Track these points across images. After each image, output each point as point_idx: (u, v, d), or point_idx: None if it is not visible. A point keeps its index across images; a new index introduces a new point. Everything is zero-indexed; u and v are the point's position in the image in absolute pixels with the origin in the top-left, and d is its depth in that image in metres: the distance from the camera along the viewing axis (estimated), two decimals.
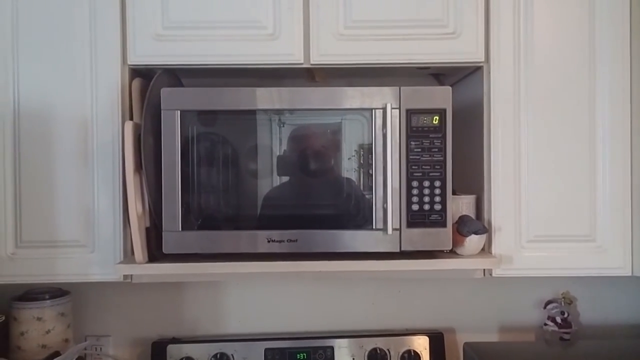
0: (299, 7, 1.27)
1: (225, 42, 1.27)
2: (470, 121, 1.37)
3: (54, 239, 1.26)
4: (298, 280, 1.65)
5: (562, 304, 1.60)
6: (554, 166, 1.28)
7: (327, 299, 1.65)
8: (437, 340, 1.58)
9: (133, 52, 1.26)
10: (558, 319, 1.57)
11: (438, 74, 1.53)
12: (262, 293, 1.65)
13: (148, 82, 1.26)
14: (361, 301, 1.66)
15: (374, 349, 1.55)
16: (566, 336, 1.56)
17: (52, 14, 1.25)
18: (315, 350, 1.55)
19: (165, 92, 1.19)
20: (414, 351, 1.55)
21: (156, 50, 1.26)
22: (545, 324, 1.59)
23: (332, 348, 1.55)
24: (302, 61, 1.28)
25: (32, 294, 1.45)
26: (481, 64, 1.30)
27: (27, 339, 1.41)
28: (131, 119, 1.27)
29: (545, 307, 1.61)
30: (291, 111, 1.22)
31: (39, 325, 1.41)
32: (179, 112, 1.19)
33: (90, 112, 1.26)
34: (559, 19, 1.28)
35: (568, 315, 1.57)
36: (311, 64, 1.29)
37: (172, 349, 1.53)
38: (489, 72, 1.29)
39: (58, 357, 1.34)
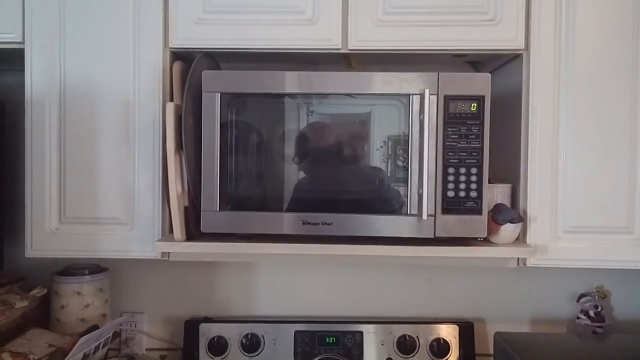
0: None
1: (264, 26, 1.28)
2: (506, 110, 1.36)
3: (96, 215, 1.30)
4: (328, 264, 1.66)
5: (596, 297, 1.57)
6: (593, 156, 1.26)
7: (357, 284, 1.67)
8: (466, 330, 1.58)
9: (175, 36, 1.29)
10: (591, 313, 1.55)
11: (475, 62, 1.51)
12: (293, 276, 1.67)
13: (187, 65, 1.29)
14: (391, 288, 1.66)
15: (403, 336, 1.56)
16: (599, 330, 1.54)
17: None
18: (344, 335, 1.57)
19: (206, 74, 1.21)
20: (444, 339, 1.55)
21: (197, 34, 1.29)
22: (578, 317, 1.57)
23: (361, 333, 1.57)
24: (339, 46, 1.29)
25: (72, 269, 1.51)
26: (521, 52, 1.29)
27: (67, 312, 1.46)
28: (171, 100, 1.30)
29: (578, 301, 1.59)
30: (334, 95, 1.23)
31: (78, 300, 1.47)
32: (219, 94, 1.21)
33: (133, 93, 1.29)
34: (601, 7, 1.25)
35: (602, 309, 1.55)
36: (349, 50, 1.29)
37: (204, 327, 1.57)
38: (529, 60, 1.27)
39: (96, 330, 1.39)
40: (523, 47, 1.28)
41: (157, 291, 1.67)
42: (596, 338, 1.50)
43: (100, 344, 1.40)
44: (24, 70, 1.28)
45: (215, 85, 1.21)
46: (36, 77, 1.28)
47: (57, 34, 1.28)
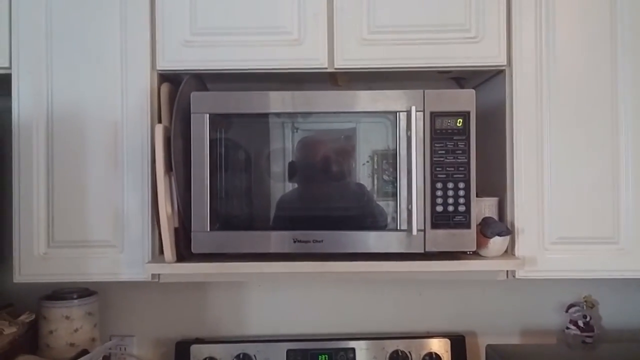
0: (324, 13, 1.29)
1: (252, 47, 1.29)
2: (492, 124, 1.38)
3: (85, 239, 1.29)
4: (320, 281, 1.66)
5: (584, 307, 1.59)
6: (577, 168, 1.29)
7: (348, 301, 1.67)
8: (458, 343, 1.58)
9: (162, 58, 1.30)
10: (580, 323, 1.57)
11: (459, 78, 1.54)
12: (283, 295, 1.67)
13: (175, 86, 1.30)
14: (382, 304, 1.67)
15: (395, 351, 1.56)
16: (588, 340, 1.55)
17: (84, 21, 1.29)
18: (336, 352, 1.56)
19: (195, 96, 1.22)
20: (436, 354, 1.56)
21: (184, 56, 1.30)
22: (567, 328, 1.59)
23: (353, 350, 1.57)
24: (326, 66, 1.31)
25: (60, 293, 1.49)
26: (503, 68, 1.32)
27: (56, 337, 1.44)
28: (159, 122, 1.30)
29: (567, 311, 1.60)
30: (325, 114, 1.25)
31: (67, 324, 1.45)
32: (207, 115, 1.22)
33: (121, 115, 1.29)
34: (580, 22, 1.29)
35: (590, 319, 1.57)
36: (335, 69, 1.31)
37: (195, 349, 1.56)
38: (511, 76, 1.30)
39: (85, 356, 1.37)
40: (505, 63, 1.30)
41: (146, 313, 1.65)
42: (586, 348, 1.51)
43: None
44: (10, 95, 1.28)
45: (203, 107, 1.22)
46: (23, 101, 1.28)
47: (44, 58, 1.28)
